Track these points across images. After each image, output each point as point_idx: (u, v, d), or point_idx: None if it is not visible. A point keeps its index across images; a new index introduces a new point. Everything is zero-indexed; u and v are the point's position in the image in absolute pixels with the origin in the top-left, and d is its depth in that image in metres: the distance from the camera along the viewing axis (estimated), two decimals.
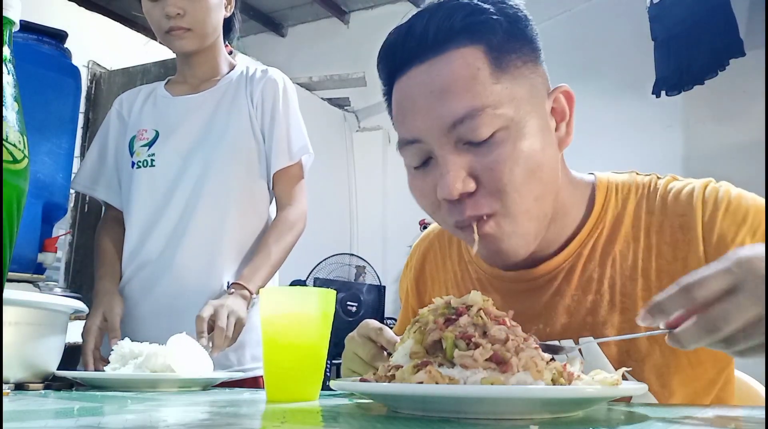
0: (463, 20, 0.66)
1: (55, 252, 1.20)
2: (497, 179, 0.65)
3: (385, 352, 0.68)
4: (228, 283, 1.25)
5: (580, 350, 0.73)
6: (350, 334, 0.73)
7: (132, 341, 0.95)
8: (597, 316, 0.73)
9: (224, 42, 1.43)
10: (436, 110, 0.66)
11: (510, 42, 0.68)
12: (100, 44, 2.43)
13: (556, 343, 0.74)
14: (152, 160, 1.31)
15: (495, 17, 0.67)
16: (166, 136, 1.32)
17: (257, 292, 1.22)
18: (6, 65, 0.45)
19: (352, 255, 4.03)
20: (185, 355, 0.91)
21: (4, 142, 0.43)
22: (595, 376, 0.56)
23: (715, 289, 0.47)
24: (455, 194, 0.65)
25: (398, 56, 0.70)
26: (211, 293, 1.21)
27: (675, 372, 0.71)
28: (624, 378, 0.69)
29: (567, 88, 0.73)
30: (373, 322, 0.71)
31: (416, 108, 0.68)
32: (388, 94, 0.74)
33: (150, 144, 1.32)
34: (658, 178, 0.78)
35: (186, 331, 1.04)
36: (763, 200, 0.71)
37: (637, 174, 0.79)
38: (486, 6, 0.67)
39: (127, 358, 0.91)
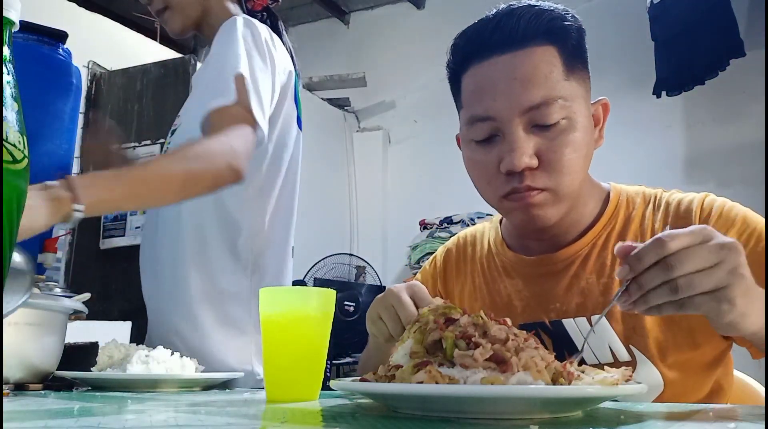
0: (548, 23, 0.78)
1: (55, 252, 1.20)
2: (557, 160, 0.77)
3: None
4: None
5: (591, 325, 0.81)
6: (398, 288, 0.76)
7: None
8: (608, 297, 0.81)
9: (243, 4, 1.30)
10: (516, 94, 0.76)
11: (577, 49, 0.80)
12: (100, 44, 2.43)
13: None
14: (167, 150, 1.28)
15: (571, 25, 0.80)
16: (181, 122, 1.28)
17: (87, 204, 0.78)
18: (6, 65, 0.45)
19: (352, 255, 4.03)
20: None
21: (4, 142, 0.43)
22: (595, 376, 0.56)
23: (685, 243, 0.56)
24: (521, 166, 0.76)
25: (482, 44, 0.80)
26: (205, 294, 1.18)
27: (675, 349, 0.78)
28: (630, 353, 0.79)
29: (606, 101, 0.86)
30: (428, 294, 0.76)
31: (497, 90, 0.78)
32: (457, 75, 0.84)
33: (174, 131, 1.28)
34: (664, 191, 0.88)
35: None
36: (754, 214, 0.79)
37: (645, 187, 0.90)
38: (564, 14, 0.80)
39: (114, 359, 0.91)
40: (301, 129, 1.29)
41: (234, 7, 1.28)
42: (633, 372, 0.78)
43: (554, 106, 0.76)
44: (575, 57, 0.80)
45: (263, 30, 1.16)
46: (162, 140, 1.71)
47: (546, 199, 0.78)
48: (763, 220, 0.77)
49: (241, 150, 0.97)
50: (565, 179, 0.77)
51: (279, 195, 1.21)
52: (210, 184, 0.94)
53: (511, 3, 0.81)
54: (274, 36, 1.21)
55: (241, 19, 1.15)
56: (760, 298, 0.59)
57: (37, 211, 0.74)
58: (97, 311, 1.62)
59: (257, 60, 1.10)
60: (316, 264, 3.74)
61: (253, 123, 1.02)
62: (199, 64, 1.86)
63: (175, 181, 0.90)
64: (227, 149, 0.94)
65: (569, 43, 0.79)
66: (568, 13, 0.81)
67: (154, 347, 0.93)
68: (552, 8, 0.80)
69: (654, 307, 0.58)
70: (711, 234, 0.57)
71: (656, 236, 0.57)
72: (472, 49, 0.81)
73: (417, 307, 0.73)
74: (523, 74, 0.76)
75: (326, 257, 3.81)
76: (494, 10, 0.81)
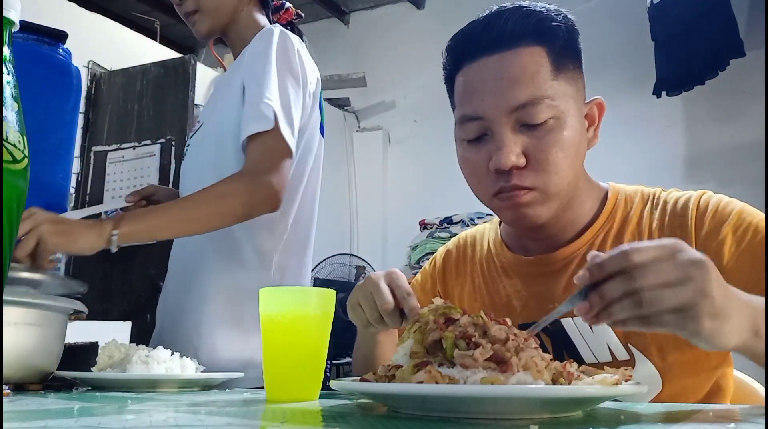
0: (535, 24, 0.79)
1: (56, 252, 1.20)
2: (544, 159, 0.77)
3: (399, 314, 0.72)
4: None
5: (589, 326, 0.81)
6: (377, 275, 0.76)
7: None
8: None
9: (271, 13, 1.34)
10: (503, 94, 0.78)
11: (567, 49, 0.81)
12: (100, 44, 2.43)
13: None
14: (186, 151, 1.31)
15: (559, 26, 0.80)
16: (202, 122, 1.30)
17: (121, 240, 0.99)
18: (6, 65, 0.45)
19: (352, 255, 4.03)
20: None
21: (4, 142, 0.43)
22: (595, 376, 0.56)
23: (650, 256, 0.52)
24: (508, 165, 0.76)
25: (472, 46, 0.81)
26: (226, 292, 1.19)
27: (675, 348, 0.78)
28: (629, 352, 0.79)
29: (601, 100, 0.86)
30: (405, 282, 0.74)
31: (485, 90, 0.79)
32: (451, 76, 0.86)
33: (195, 132, 1.31)
34: (662, 190, 0.88)
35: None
36: (751, 208, 0.79)
37: (644, 187, 0.90)
38: (554, 15, 0.81)
39: (114, 359, 0.91)
40: (323, 136, 1.34)
41: (262, 19, 1.32)
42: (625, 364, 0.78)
43: (541, 105, 0.76)
44: (565, 57, 0.80)
45: (296, 41, 1.21)
46: (162, 140, 1.71)
47: (534, 199, 0.79)
48: (760, 213, 0.77)
49: (279, 184, 1.08)
50: (553, 178, 0.78)
51: (302, 199, 1.25)
52: (245, 216, 1.08)
53: (503, 4, 0.82)
54: (304, 46, 1.25)
55: (278, 30, 1.19)
56: (739, 312, 0.55)
57: (86, 236, 0.98)
58: (97, 311, 1.62)
59: (290, 77, 1.16)
60: (317, 265, 3.74)
61: (288, 149, 1.11)
62: (199, 65, 1.86)
63: (206, 217, 1.05)
64: (267, 185, 1.06)
65: (558, 44, 0.79)
66: (559, 14, 0.81)
67: (154, 347, 0.93)
68: (541, 9, 0.81)
69: (619, 321, 0.54)
70: (680, 248, 0.53)
71: (622, 248, 0.53)
72: (463, 51, 0.83)
73: (393, 294, 0.72)
74: (510, 74, 0.77)
75: (329, 258, 3.82)
76: (485, 12, 0.82)
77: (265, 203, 1.08)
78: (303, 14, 1.40)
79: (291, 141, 1.12)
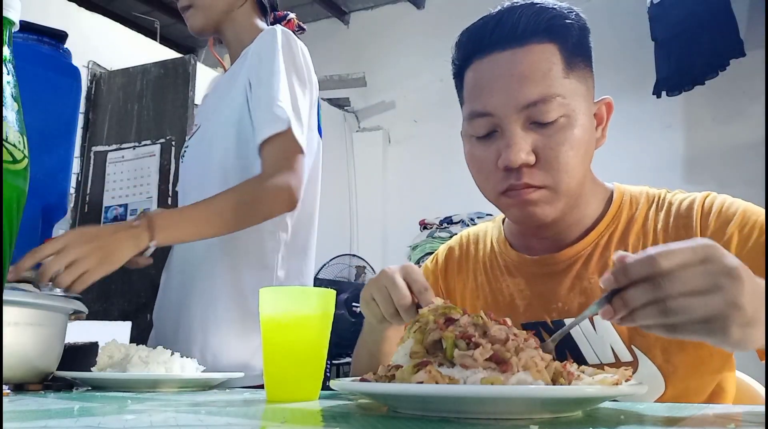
0: (548, 21, 0.78)
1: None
2: (555, 157, 0.77)
3: (417, 308, 0.72)
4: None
5: (593, 324, 0.81)
6: (392, 269, 0.75)
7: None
8: None
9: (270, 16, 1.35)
10: (514, 91, 0.77)
11: (579, 47, 0.80)
12: (100, 44, 2.43)
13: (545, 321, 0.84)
14: (185, 153, 1.31)
15: (572, 24, 0.80)
16: (200, 124, 1.30)
17: (160, 241, 1.01)
18: (6, 65, 0.45)
19: (353, 255, 4.04)
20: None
21: (4, 142, 0.43)
22: (595, 376, 0.56)
23: (679, 262, 0.50)
24: (518, 163, 0.76)
25: (484, 41, 0.80)
26: (229, 298, 1.19)
27: (679, 350, 0.78)
28: (632, 353, 0.78)
29: (610, 100, 0.86)
30: (422, 276, 0.74)
31: (495, 87, 0.78)
32: (461, 71, 0.85)
33: (194, 134, 1.31)
34: (667, 191, 0.88)
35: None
36: (755, 207, 0.79)
37: (649, 188, 0.90)
38: (567, 13, 0.80)
39: (114, 359, 0.91)
40: (321, 136, 1.34)
41: (262, 24, 1.32)
42: (634, 372, 0.78)
43: (552, 103, 0.76)
44: (576, 55, 0.80)
45: (299, 41, 1.22)
46: (162, 140, 1.71)
47: (543, 197, 0.78)
48: (763, 211, 0.77)
49: (297, 184, 1.11)
50: (563, 177, 0.77)
51: (303, 199, 1.24)
52: (266, 216, 1.11)
53: (514, 0, 0.81)
54: (305, 46, 1.26)
55: (280, 29, 1.20)
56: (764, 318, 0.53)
57: (123, 246, 0.98)
58: (97, 311, 1.62)
59: (296, 76, 1.18)
60: (322, 267, 3.74)
61: (300, 147, 1.13)
62: (199, 65, 1.86)
63: (236, 219, 1.07)
64: (285, 186, 1.09)
65: (570, 41, 0.79)
66: (571, 12, 0.81)
67: (154, 347, 0.93)
68: (554, 6, 0.80)
69: (644, 326, 0.53)
70: (714, 253, 0.51)
71: (650, 252, 0.51)
72: (474, 46, 0.82)
73: (410, 289, 0.72)
74: (522, 71, 0.77)
75: (331, 260, 3.82)
76: (498, 8, 0.82)
77: (285, 203, 1.11)
78: (305, 27, 1.40)
79: (302, 140, 1.14)
